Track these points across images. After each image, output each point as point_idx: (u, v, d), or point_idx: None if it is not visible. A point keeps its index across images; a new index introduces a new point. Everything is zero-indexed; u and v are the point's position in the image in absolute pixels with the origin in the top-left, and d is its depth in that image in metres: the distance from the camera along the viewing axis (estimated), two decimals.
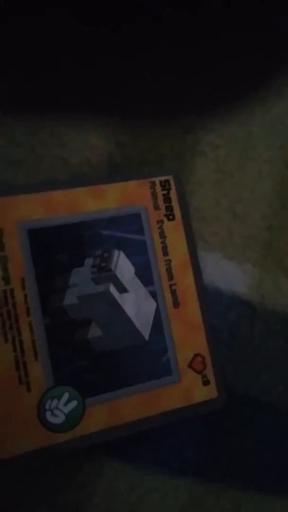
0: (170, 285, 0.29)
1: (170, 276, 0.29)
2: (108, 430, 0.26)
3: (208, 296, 0.31)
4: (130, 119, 0.31)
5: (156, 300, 0.28)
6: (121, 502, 0.28)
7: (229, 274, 0.31)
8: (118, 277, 0.28)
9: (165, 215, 0.29)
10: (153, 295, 0.28)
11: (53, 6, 0.30)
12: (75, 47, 0.30)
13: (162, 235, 0.29)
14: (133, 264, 0.28)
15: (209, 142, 0.32)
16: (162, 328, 0.28)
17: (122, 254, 0.28)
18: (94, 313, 0.27)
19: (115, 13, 0.31)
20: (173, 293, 0.29)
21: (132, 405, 0.27)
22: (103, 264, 0.28)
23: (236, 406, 0.31)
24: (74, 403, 0.25)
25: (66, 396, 0.25)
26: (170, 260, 0.29)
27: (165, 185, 0.30)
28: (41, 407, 0.25)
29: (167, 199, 0.30)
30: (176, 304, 0.29)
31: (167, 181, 0.30)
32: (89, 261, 0.27)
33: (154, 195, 0.29)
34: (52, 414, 0.25)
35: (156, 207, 0.29)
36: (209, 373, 0.29)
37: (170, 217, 0.29)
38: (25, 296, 0.26)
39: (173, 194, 0.30)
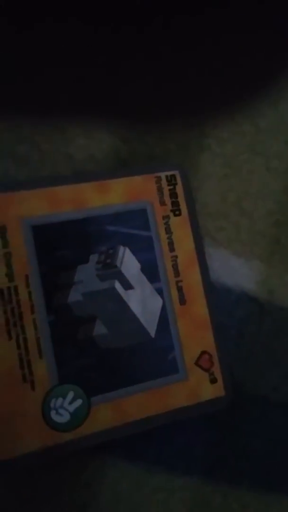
0: (177, 282, 0.28)
1: (177, 273, 0.28)
2: (113, 429, 0.26)
3: (215, 293, 0.30)
4: (135, 114, 0.30)
5: (162, 297, 0.28)
6: (126, 502, 0.28)
7: (236, 271, 0.31)
8: (124, 273, 0.27)
9: (171, 211, 0.29)
10: (159, 292, 0.28)
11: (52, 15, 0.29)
12: (78, 44, 0.29)
13: (168, 231, 0.29)
14: (139, 261, 0.28)
15: (216, 136, 0.31)
16: (169, 325, 0.28)
17: (127, 250, 0.28)
18: (99, 310, 0.27)
19: (115, 14, 0.30)
20: (180, 289, 0.28)
21: (138, 404, 0.26)
22: (108, 261, 0.27)
23: (243, 404, 0.30)
24: (79, 402, 0.25)
25: (71, 394, 0.25)
26: (176, 256, 0.29)
27: (171, 180, 0.29)
28: (45, 405, 0.24)
29: (173, 194, 0.29)
30: (182, 301, 0.28)
31: (173, 176, 0.29)
32: (94, 258, 0.27)
33: (160, 190, 0.29)
34: (57, 413, 0.25)
35: (162, 203, 0.29)
36: (216, 370, 0.28)
37: (177, 212, 0.29)
38: (29, 293, 0.25)
39: (179, 189, 0.29)
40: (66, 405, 0.25)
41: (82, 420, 0.25)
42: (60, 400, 0.25)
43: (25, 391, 0.24)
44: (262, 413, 0.30)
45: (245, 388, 0.30)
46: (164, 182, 0.29)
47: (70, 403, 0.25)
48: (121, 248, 0.28)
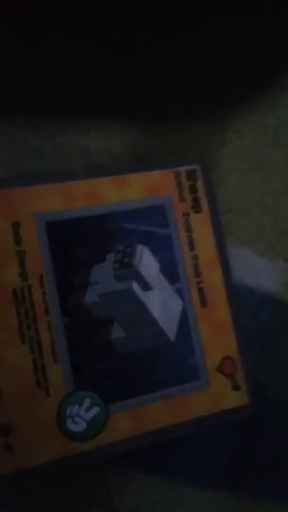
0: (197, 283, 0.27)
1: (197, 273, 0.27)
2: (132, 439, 0.24)
3: (238, 294, 0.29)
4: (154, 107, 0.29)
5: (182, 298, 0.26)
6: None
7: (260, 271, 0.29)
8: (142, 274, 0.26)
9: (191, 207, 0.27)
10: (179, 293, 0.26)
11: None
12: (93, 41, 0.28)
13: (189, 229, 0.27)
14: (158, 260, 0.26)
15: (237, 130, 0.30)
16: (189, 329, 0.26)
17: (146, 249, 0.26)
18: (116, 313, 0.25)
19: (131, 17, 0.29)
20: (201, 291, 0.27)
21: (158, 412, 0.25)
22: (126, 260, 0.26)
23: (268, 412, 0.28)
24: (96, 410, 0.24)
25: (87, 402, 0.23)
26: (197, 256, 0.27)
27: (191, 175, 0.28)
28: (61, 413, 0.23)
29: (193, 190, 0.28)
30: (203, 303, 0.27)
31: (193, 171, 0.28)
32: (110, 257, 0.25)
33: (179, 186, 0.27)
34: (73, 421, 0.23)
35: (182, 199, 0.27)
36: (239, 377, 0.27)
37: (197, 209, 0.27)
38: (44, 293, 0.24)
39: (200, 185, 0.28)
40: (82, 413, 0.23)
41: (100, 429, 0.24)
42: (76, 407, 0.23)
43: (40, 397, 0.23)
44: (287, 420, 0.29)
45: (270, 395, 0.29)
46: (183, 177, 0.27)
47: (87, 410, 0.23)
48: (139, 247, 0.26)
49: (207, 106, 0.30)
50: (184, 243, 0.27)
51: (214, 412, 0.26)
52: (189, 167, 0.28)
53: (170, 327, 0.26)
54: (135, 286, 0.26)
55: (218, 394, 0.26)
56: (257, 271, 0.29)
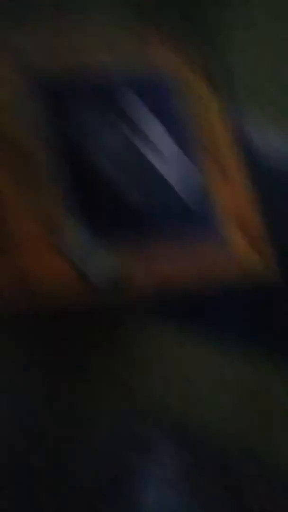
0: (214, 153, 0.26)
1: (215, 146, 0.26)
2: (153, 293, 0.23)
3: (255, 161, 0.28)
4: None
5: (199, 169, 0.26)
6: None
7: (275, 140, 0.28)
8: (153, 142, 0.25)
9: (202, 81, 0.27)
10: (196, 164, 0.26)
11: None
12: None
13: (201, 102, 0.27)
14: (171, 130, 0.26)
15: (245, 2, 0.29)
16: (208, 198, 0.26)
17: (154, 118, 0.25)
18: (132, 180, 0.24)
19: None
20: (218, 162, 0.26)
21: (178, 268, 0.24)
22: (130, 121, 0.25)
23: None
24: (110, 259, 0.22)
25: (102, 249, 0.22)
26: (212, 128, 0.26)
27: (200, 48, 0.27)
28: (76, 260, 0.22)
29: (203, 64, 0.27)
30: (222, 172, 0.26)
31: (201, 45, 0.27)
32: (118, 123, 0.25)
33: (189, 58, 0.27)
34: (89, 270, 0.22)
35: (193, 71, 0.27)
36: (263, 242, 0.26)
37: (208, 82, 0.27)
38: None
39: (209, 59, 0.27)
40: (98, 261, 0.22)
41: (117, 281, 0.22)
42: (91, 255, 0.22)
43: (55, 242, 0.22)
44: None
45: None
46: (193, 51, 0.27)
47: (103, 259, 0.22)
48: (143, 108, 0.25)
49: None
50: (199, 114, 0.27)
51: (237, 274, 0.25)
52: (198, 41, 0.27)
53: (189, 195, 0.25)
54: (148, 152, 0.25)
55: (241, 257, 0.25)
56: (272, 140, 0.28)
